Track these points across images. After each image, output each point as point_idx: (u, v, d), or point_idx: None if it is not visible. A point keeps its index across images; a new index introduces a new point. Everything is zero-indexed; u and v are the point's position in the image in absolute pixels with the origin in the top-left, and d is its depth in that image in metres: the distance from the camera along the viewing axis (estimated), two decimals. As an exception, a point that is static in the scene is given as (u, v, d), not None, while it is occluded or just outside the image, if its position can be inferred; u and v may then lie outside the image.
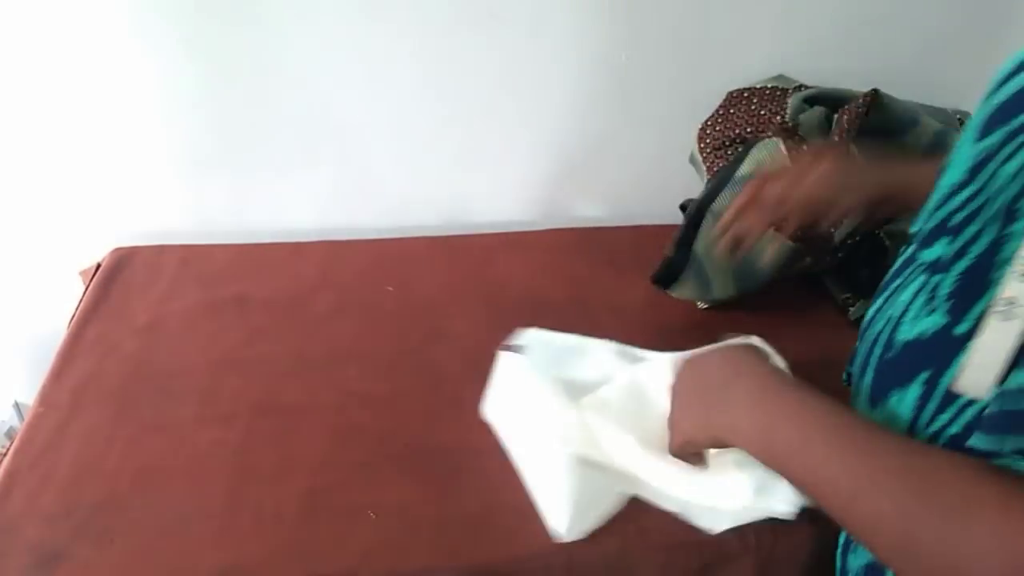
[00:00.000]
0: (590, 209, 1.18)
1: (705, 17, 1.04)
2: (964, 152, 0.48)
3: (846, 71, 1.06)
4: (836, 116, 0.94)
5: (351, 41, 1.00)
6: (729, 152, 0.99)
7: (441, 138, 1.10)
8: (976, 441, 0.43)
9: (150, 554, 0.67)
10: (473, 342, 0.89)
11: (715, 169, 1.00)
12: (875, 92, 0.94)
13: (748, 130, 0.98)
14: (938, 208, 0.50)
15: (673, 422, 0.66)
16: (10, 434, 1.22)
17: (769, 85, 1.02)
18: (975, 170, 0.46)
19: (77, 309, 0.96)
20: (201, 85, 1.01)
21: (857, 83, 1.03)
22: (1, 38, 0.94)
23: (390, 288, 0.99)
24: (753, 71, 1.04)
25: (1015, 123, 0.43)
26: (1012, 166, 0.42)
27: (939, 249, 0.49)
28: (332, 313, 0.94)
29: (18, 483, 0.72)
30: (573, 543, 0.68)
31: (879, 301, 0.59)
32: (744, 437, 0.57)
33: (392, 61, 1.02)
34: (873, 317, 0.58)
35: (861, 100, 0.94)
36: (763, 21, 1.05)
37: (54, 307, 1.06)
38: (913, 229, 0.56)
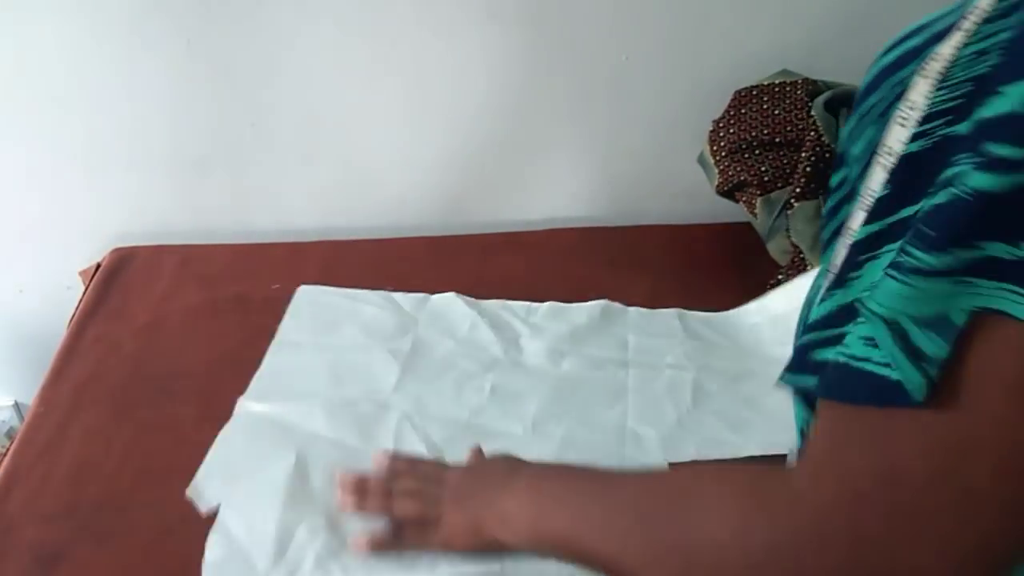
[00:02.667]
0: (590, 209, 1.18)
1: (705, 16, 1.04)
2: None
3: (848, 65, 1.06)
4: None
5: (351, 41, 1.00)
6: (746, 156, 0.99)
7: (441, 138, 1.10)
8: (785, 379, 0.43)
9: (150, 554, 0.67)
10: (473, 342, 0.90)
11: (729, 173, 1.00)
12: None
13: (764, 132, 0.98)
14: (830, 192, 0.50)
15: (446, 524, 0.61)
16: (10, 434, 1.23)
17: (777, 81, 1.02)
18: (841, 157, 0.46)
19: (77, 309, 0.96)
20: (201, 85, 1.01)
21: (860, 76, 1.03)
22: (1, 37, 0.94)
23: (390, 288, 0.99)
24: (754, 68, 1.04)
25: (864, 107, 0.43)
26: (858, 147, 0.42)
27: (826, 233, 0.49)
28: (332, 313, 0.94)
29: (18, 483, 0.72)
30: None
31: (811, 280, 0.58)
32: (514, 528, 0.56)
33: (392, 61, 1.02)
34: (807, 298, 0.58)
35: None
36: (764, 18, 1.05)
37: (54, 307, 1.06)
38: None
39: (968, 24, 0.35)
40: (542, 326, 0.91)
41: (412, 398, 0.81)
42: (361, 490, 0.65)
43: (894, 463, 0.34)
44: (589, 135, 1.13)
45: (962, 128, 0.34)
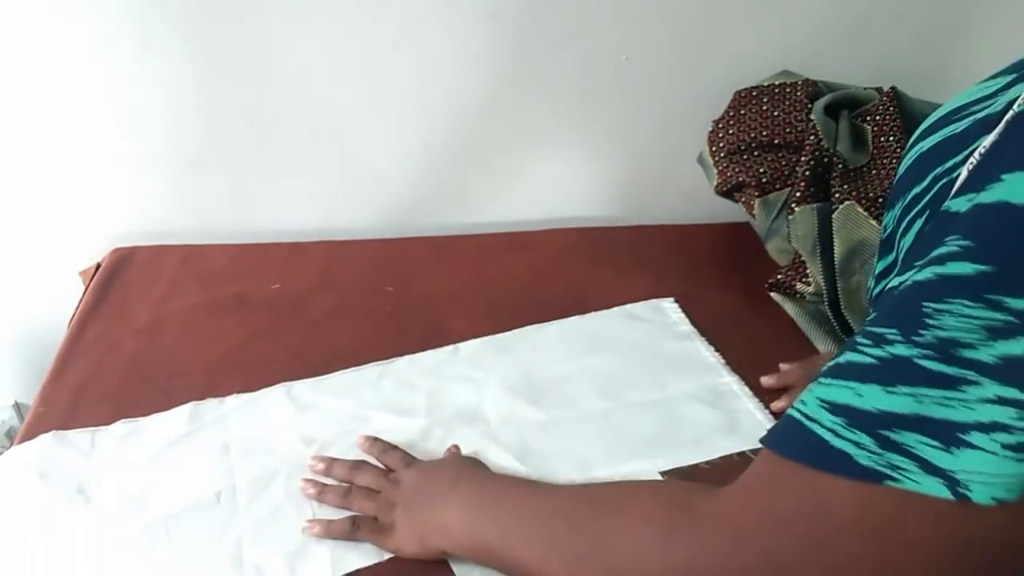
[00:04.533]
0: (590, 209, 1.18)
1: (705, 16, 1.04)
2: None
3: (848, 67, 1.06)
4: (865, 125, 0.94)
5: (351, 41, 1.00)
6: (745, 157, 0.99)
7: (441, 138, 1.10)
8: None
9: (150, 554, 0.66)
10: (473, 342, 0.89)
11: (728, 174, 0.99)
12: (894, 91, 0.94)
13: (764, 133, 0.98)
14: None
15: (398, 531, 0.62)
16: (10, 434, 1.22)
17: (777, 82, 1.02)
18: (888, 241, 0.45)
19: (77, 309, 0.96)
20: (201, 85, 1.01)
21: (860, 77, 1.03)
22: (1, 37, 0.94)
23: (390, 288, 0.99)
24: (755, 68, 1.04)
25: (908, 196, 0.43)
26: (908, 239, 0.42)
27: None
28: (332, 313, 0.94)
29: (18, 483, 0.72)
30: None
31: None
32: (453, 538, 0.58)
33: (392, 61, 1.02)
34: None
35: (883, 102, 0.94)
36: (764, 18, 1.05)
37: (54, 307, 1.05)
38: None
39: (1011, 116, 0.34)
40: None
41: None
42: (324, 480, 0.68)
43: (825, 505, 0.34)
44: (589, 135, 1.13)
45: (960, 205, 0.33)
